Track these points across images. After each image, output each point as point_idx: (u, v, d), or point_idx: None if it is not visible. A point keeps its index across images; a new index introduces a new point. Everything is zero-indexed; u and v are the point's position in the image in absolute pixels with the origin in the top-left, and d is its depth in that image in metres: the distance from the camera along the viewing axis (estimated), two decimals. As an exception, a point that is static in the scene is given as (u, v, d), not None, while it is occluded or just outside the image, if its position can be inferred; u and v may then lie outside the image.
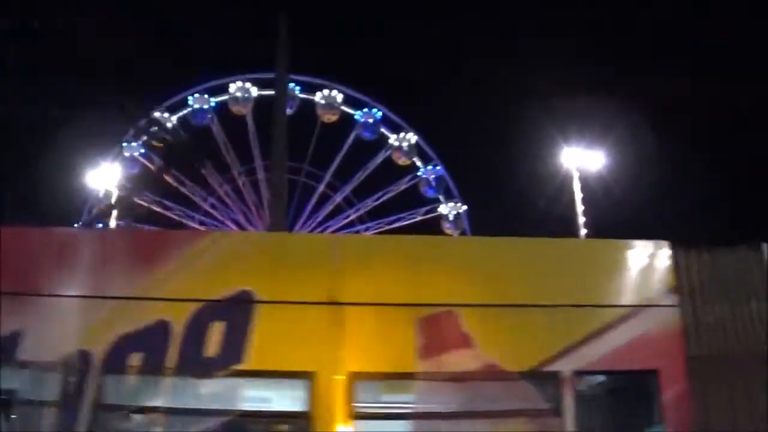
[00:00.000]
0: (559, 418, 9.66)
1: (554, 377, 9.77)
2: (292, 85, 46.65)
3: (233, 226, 53.05)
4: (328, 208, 55.81)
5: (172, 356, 9.35)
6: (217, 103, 54.43)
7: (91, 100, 50.51)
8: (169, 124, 53.26)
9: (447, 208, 54.83)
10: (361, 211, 56.04)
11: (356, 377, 9.51)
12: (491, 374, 9.74)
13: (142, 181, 50.46)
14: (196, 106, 53.89)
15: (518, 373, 9.80)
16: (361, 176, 55.87)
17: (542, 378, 9.86)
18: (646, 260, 10.71)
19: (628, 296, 10.38)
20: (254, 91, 54.06)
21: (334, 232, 53.13)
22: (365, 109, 54.93)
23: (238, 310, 9.59)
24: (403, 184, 55.57)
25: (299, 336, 9.65)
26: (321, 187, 55.58)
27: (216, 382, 9.56)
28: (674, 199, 47.66)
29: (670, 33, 56.48)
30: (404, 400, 9.97)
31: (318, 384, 9.39)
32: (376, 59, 68.82)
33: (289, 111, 28.48)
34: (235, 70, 54.74)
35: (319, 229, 54.18)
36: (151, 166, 52.82)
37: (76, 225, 47.73)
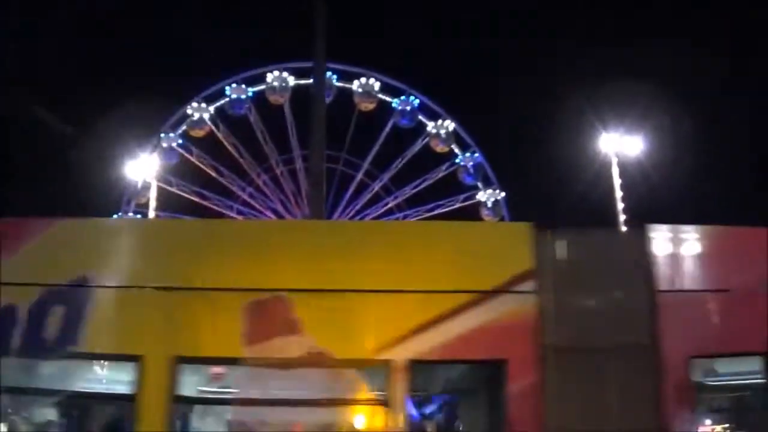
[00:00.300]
0: (388, 409, 9.30)
1: (385, 366, 9.39)
2: (329, 73, 46.64)
3: (272, 215, 53.28)
4: (367, 196, 55.92)
5: (17, 339, 9.44)
6: (254, 92, 54.64)
7: (128, 92, 50.97)
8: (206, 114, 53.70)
9: (485, 195, 54.71)
10: (400, 199, 56.20)
11: (183, 361, 9.45)
12: (318, 361, 9.46)
13: None
14: (234, 96, 54.16)
15: (346, 361, 9.56)
16: (399, 164, 55.93)
17: (372, 366, 9.58)
18: (502, 243, 10.25)
19: (478, 281, 9.75)
20: (291, 81, 54.22)
21: (372, 219, 53.13)
22: (402, 97, 54.89)
23: (77, 295, 9.63)
24: (441, 172, 55.56)
25: (130, 320, 9.66)
26: (359, 176, 55.71)
27: (56, 363, 9.70)
28: (713, 183, 47.22)
29: (708, 17, 55.93)
30: (231, 385, 10.03)
31: (145, 367, 9.34)
32: (413, 47, 68.88)
33: (326, 100, 28.50)
34: (272, 59, 54.97)
35: (358, 217, 54.23)
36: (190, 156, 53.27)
37: (115, 216, 48.24)
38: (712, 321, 9.99)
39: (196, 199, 53.84)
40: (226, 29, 70.19)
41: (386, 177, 56.02)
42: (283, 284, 9.70)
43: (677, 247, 10.39)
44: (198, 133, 54.01)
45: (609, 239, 10.68)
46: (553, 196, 51.19)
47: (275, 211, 54.18)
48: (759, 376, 9.94)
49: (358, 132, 54.82)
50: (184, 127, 53.90)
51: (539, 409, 9.32)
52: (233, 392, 10.03)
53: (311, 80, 24.45)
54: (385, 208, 56.06)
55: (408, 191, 56.06)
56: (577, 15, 67.43)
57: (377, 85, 54.91)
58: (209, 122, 54.11)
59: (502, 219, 53.08)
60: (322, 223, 10.52)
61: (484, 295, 9.68)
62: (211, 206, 53.88)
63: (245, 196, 54.96)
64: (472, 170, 54.81)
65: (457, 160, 55.10)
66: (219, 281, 9.75)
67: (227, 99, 54.24)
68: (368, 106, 54.83)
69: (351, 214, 54.31)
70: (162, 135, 53.38)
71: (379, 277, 9.86)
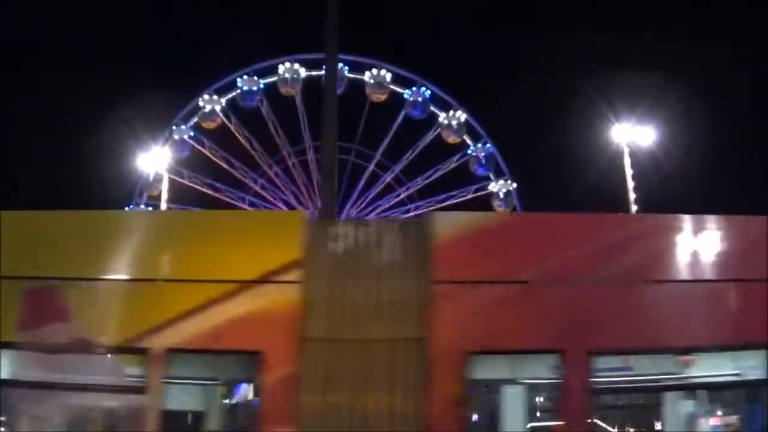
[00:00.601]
0: (144, 395, 9.43)
1: (143, 353, 9.54)
2: (340, 65, 46.55)
3: (284, 207, 53.29)
4: (379, 187, 55.88)
5: None
6: (266, 84, 54.63)
7: (140, 84, 51.12)
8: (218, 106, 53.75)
9: (497, 186, 54.63)
10: (412, 190, 56.13)
11: None
12: (84, 348, 9.63)
13: None
14: (245, 87, 54.15)
15: (107, 347, 9.68)
16: (410, 155, 55.85)
17: (131, 354, 9.71)
18: (270, 232, 10.29)
19: (242, 270, 9.81)
20: (303, 72, 54.18)
21: (384, 211, 53.20)
22: (414, 88, 54.79)
23: None
24: (453, 163, 55.46)
25: None
26: (371, 167, 55.64)
27: None
28: (725, 173, 47.14)
29: (722, 7, 55.69)
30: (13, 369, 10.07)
31: None
32: (424, 37, 68.80)
33: (338, 91, 28.38)
34: (283, 51, 54.96)
35: (370, 208, 54.25)
36: (201, 148, 53.31)
37: (127, 208, 48.38)
38: (499, 314, 9.72)
39: (207, 191, 53.98)
40: (238, 21, 70.32)
41: (398, 168, 56.04)
42: (56, 273, 9.89)
43: (465, 237, 10.10)
44: (210, 125, 54.08)
45: (386, 229, 10.41)
46: (565, 186, 51.12)
47: (287, 203, 54.22)
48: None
49: (370, 123, 54.86)
50: (195, 119, 53.97)
51: (295, 402, 9.32)
52: (11, 376, 10.04)
53: (323, 72, 24.36)
54: (397, 199, 56.07)
55: (420, 182, 56.07)
56: (589, 5, 67.23)
57: (389, 77, 54.83)
58: (221, 114, 54.19)
59: (514, 209, 52.99)
60: (93, 213, 10.57)
61: (246, 285, 9.72)
62: (223, 198, 54.02)
63: (257, 188, 55.05)
64: (483, 161, 54.71)
65: (468, 151, 55.03)
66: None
67: (239, 91, 54.27)
68: (380, 97, 54.76)
69: (363, 206, 54.36)
70: (174, 127, 53.50)
71: (141, 266, 10.04)
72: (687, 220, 10.47)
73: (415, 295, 9.76)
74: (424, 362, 9.43)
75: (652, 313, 9.90)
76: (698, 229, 10.52)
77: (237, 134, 54.56)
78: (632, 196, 42.55)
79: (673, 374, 10.08)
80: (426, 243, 9.94)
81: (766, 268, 10.02)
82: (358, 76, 54.28)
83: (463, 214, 10.16)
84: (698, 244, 10.33)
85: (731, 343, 9.88)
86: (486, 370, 10.02)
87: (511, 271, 9.90)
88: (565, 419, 9.56)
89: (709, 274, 10.18)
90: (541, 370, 10.07)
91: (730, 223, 10.49)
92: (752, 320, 9.83)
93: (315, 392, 9.41)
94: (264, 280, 9.74)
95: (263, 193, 54.99)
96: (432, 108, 54.94)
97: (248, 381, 9.85)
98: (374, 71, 54.60)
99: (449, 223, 10.22)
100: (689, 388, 10.37)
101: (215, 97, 54.26)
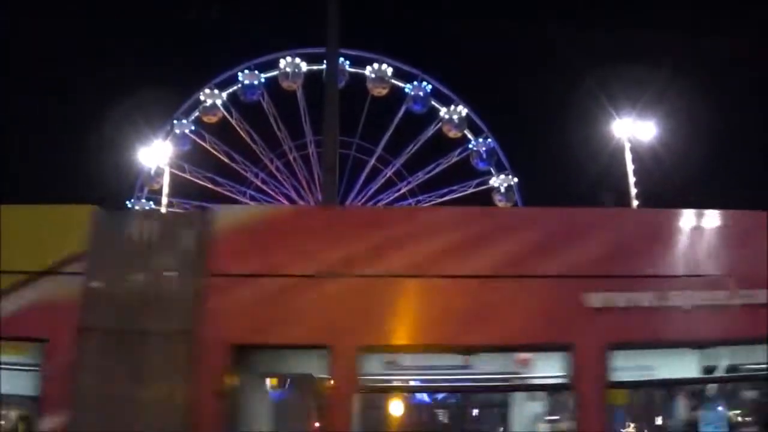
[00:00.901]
0: None
1: None
2: (341, 59, 46.52)
3: (285, 201, 53.29)
4: (380, 181, 55.88)
5: None
6: (267, 78, 54.64)
7: (141, 78, 51.03)
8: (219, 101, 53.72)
9: (498, 181, 54.58)
10: (412, 185, 56.07)
11: None
12: None
13: None
14: (246, 82, 54.12)
15: None
16: (411, 149, 55.83)
17: None
18: (58, 225, 10.39)
19: (29, 262, 10.05)
20: (304, 66, 54.16)
21: (385, 205, 53.13)
22: (415, 83, 54.77)
23: None
24: (454, 157, 55.41)
25: None
26: (372, 161, 55.66)
27: None
28: (727, 168, 47.09)
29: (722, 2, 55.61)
30: None
31: None
32: (425, 32, 68.64)
33: (339, 85, 28.36)
34: (284, 45, 54.93)
35: (371, 203, 54.22)
36: (202, 142, 53.29)
37: (128, 202, 48.43)
38: (268, 308, 9.80)
39: (209, 185, 54.02)
40: (239, 15, 70.09)
41: (399, 162, 55.99)
42: None
43: (243, 230, 10.23)
44: (211, 119, 54.10)
45: (171, 222, 10.95)
46: (567, 181, 51.06)
47: (288, 197, 54.23)
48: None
49: (371, 117, 54.81)
50: (197, 113, 54.01)
51: (74, 390, 9.50)
52: None
53: (324, 66, 24.35)
54: (398, 193, 56.07)
55: (421, 177, 56.01)
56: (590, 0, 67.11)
57: (390, 71, 54.81)
58: (222, 108, 54.23)
59: (515, 204, 52.94)
60: None
61: (33, 276, 9.97)
62: (224, 192, 54.02)
63: (258, 182, 55.06)
64: (484, 155, 54.67)
65: (469, 146, 54.96)
66: None
67: (240, 85, 54.28)
68: (381, 91, 54.72)
69: (364, 200, 54.31)
70: (175, 121, 53.53)
71: None
72: (479, 214, 10.48)
73: (190, 288, 9.89)
74: (191, 354, 9.55)
75: (431, 309, 9.87)
76: (490, 223, 10.60)
77: (238, 128, 54.63)
78: (633, 191, 42.53)
79: (515, 374, 9.95)
80: (207, 236, 10.06)
81: (568, 263, 9.92)
82: (359, 71, 54.23)
83: (246, 208, 10.30)
84: (488, 238, 10.17)
85: (524, 342, 9.77)
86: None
87: (283, 265, 9.98)
88: (327, 419, 9.67)
89: (500, 270, 9.95)
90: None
91: (526, 216, 10.52)
92: (546, 319, 9.77)
93: (92, 381, 9.60)
94: (49, 271, 10.00)
95: (264, 187, 55.03)
96: (433, 102, 54.90)
97: (38, 369, 9.89)
98: (375, 65, 54.57)
99: (230, 217, 10.49)
100: (482, 391, 10.65)
101: (216, 91, 54.30)
